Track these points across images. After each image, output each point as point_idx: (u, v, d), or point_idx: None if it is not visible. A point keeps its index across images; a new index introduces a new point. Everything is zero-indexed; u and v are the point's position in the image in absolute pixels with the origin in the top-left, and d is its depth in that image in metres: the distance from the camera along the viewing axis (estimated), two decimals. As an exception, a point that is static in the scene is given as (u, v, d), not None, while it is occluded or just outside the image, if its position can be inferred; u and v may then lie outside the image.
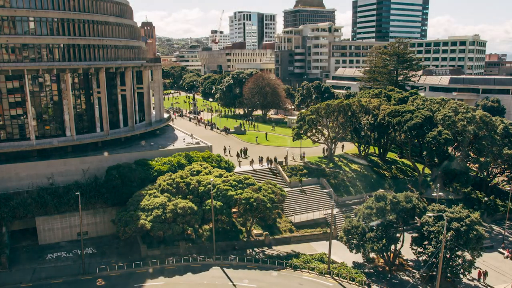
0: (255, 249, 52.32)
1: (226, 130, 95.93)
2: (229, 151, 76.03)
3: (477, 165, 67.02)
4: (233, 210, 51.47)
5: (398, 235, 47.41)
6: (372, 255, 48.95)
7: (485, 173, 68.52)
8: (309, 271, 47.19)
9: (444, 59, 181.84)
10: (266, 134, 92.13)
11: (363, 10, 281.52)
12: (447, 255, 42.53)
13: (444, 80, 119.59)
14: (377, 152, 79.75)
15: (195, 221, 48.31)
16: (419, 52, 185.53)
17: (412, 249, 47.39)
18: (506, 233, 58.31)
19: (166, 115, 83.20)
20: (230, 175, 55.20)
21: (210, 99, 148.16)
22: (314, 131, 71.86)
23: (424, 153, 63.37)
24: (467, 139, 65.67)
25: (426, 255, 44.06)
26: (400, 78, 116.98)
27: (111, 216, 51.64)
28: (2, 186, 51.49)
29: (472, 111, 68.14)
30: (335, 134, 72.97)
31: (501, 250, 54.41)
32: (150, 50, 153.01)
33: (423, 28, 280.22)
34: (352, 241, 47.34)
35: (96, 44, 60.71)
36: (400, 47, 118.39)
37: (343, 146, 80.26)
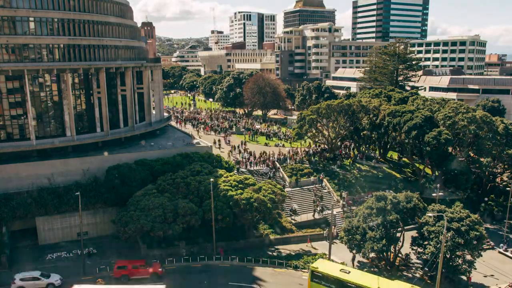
0: (255, 249, 52.27)
1: (222, 130, 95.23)
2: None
3: (477, 165, 66.85)
4: (233, 210, 51.40)
5: (398, 235, 47.43)
6: (372, 255, 48.94)
7: (486, 173, 68.44)
8: (309, 271, 47.16)
9: (444, 59, 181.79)
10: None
11: (363, 10, 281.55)
12: (447, 255, 42.54)
13: (444, 80, 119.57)
14: (377, 152, 79.75)
15: (195, 221, 48.31)
16: (419, 52, 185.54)
17: (412, 249, 47.44)
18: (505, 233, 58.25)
19: (166, 115, 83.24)
20: (230, 175, 55.24)
21: (210, 99, 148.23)
22: (314, 131, 71.91)
23: (424, 153, 63.34)
24: (468, 139, 65.67)
25: (426, 255, 44.06)
26: (400, 78, 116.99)
27: (111, 216, 51.62)
28: (2, 186, 51.46)
29: (473, 111, 68.11)
30: (335, 134, 73.01)
31: (501, 250, 54.40)
32: (150, 50, 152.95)
33: (423, 28, 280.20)
34: (352, 241, 47.36)
35: (96, 44, 60.72)
36: (400, 47, 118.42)
37: (342, 146, 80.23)
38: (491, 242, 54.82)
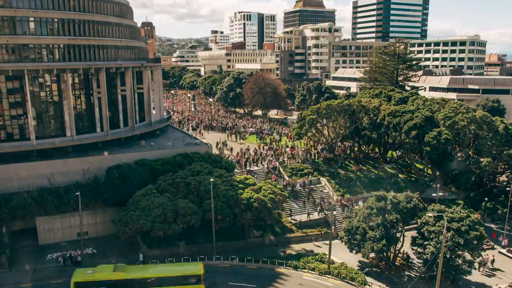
0: (255, 249, 52.25)
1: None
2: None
3: (477, 165, 66.80)
4: (233, 210, 51.40)
5: (398, 235, 47.46)
6: (372, 255, 48.96)
7: (486, 173, 68.42)
8: (310, 271, 47.19)
9: (444, 59, 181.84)
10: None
11: (363, 10, 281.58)
12: (447, 255, 42.55)
13: (444, 80, 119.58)
14: (378, 152, 79.71)
15: (195, 221, 48.30)
16: (419, 52, 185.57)
17: (412, 249, 47.45)
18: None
19: (166, 115, 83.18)
20: (230, 175, 55.22)
21: (211, 99, 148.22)
22: (314, 131, 71.88)
23: (424, 153, 63.35)
24: (468, 139, 65.66)
25: (426, 255, 44.08)
26: (400, 78, 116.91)
27: (111, 216, 51.56)
28: (2, 186, 51.43)
29: (473, 111, 68.11)
30: (335, 134, 72.98)
31: (501, 250, 54.40)
32: (150, 50, 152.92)
33: (423, 28, 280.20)
34: (352, 241, 47.39)
35: (97, 44, 60.70)
36: (400, 47, 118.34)
37: (343, 146, 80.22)
38: (491, 242, 54.88)
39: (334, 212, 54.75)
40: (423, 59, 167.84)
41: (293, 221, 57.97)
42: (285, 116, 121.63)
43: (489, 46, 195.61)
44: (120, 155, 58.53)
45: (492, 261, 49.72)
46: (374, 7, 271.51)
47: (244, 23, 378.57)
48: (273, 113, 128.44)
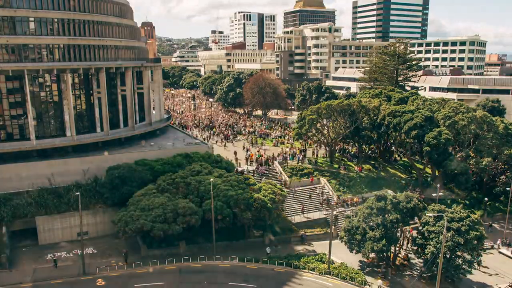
0: (255, 249, 52.23)
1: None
2: None
3: (477, 165, 66.81)
4: (233, 210, 51.38)
5: (398, 235, 47.45)
6: (372, 255, 48.94)
7: (486, 173, 68.43)
8: (310, 271, 47.16)
9: (444, 59, 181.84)
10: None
11: (363, 10, 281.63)
12: (447, 255, 42.55)
13: (444, 80, 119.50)
14: (378, 152, 79.73)
15: (195, 221, 48.28)
16: (419, 52, 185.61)
17: (412, 249, 47.44)
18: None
19: (166, 115, 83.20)
20: (230, 175, 55.21)
21: (211, 99, 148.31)
22: (314, 131, 71.89)
23: (424, 152, 63.32)
24: (468, 139, 65.64)
25: (426, 255, 44.08)
26: (400, 78, 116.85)
27: (111, 216, 51.56)
28: (2, 186, 51.39)
29: (473, 111, 68.12)
30: (335, 135, 72.96)
31: (501, 250, 54.37)
32: (150, 50, 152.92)
33: (423, 28, 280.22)
34: (352, 241, 47.37)
35: (97, 44, 60.76)
36: (400, 47, 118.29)
37: (343, 146, 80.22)
38: (491, 242, 54.87)
39: (334, 212, 54.76)
40: (423, 59, 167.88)
41: (292, 221, 57.94)
42: (285, 116, 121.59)
43: (489, 46, 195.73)
44: (120, 155, 58.57)
45: None
46: (374, 7, 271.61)
47: (244, 23, 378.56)
48: (273, 113, 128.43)
